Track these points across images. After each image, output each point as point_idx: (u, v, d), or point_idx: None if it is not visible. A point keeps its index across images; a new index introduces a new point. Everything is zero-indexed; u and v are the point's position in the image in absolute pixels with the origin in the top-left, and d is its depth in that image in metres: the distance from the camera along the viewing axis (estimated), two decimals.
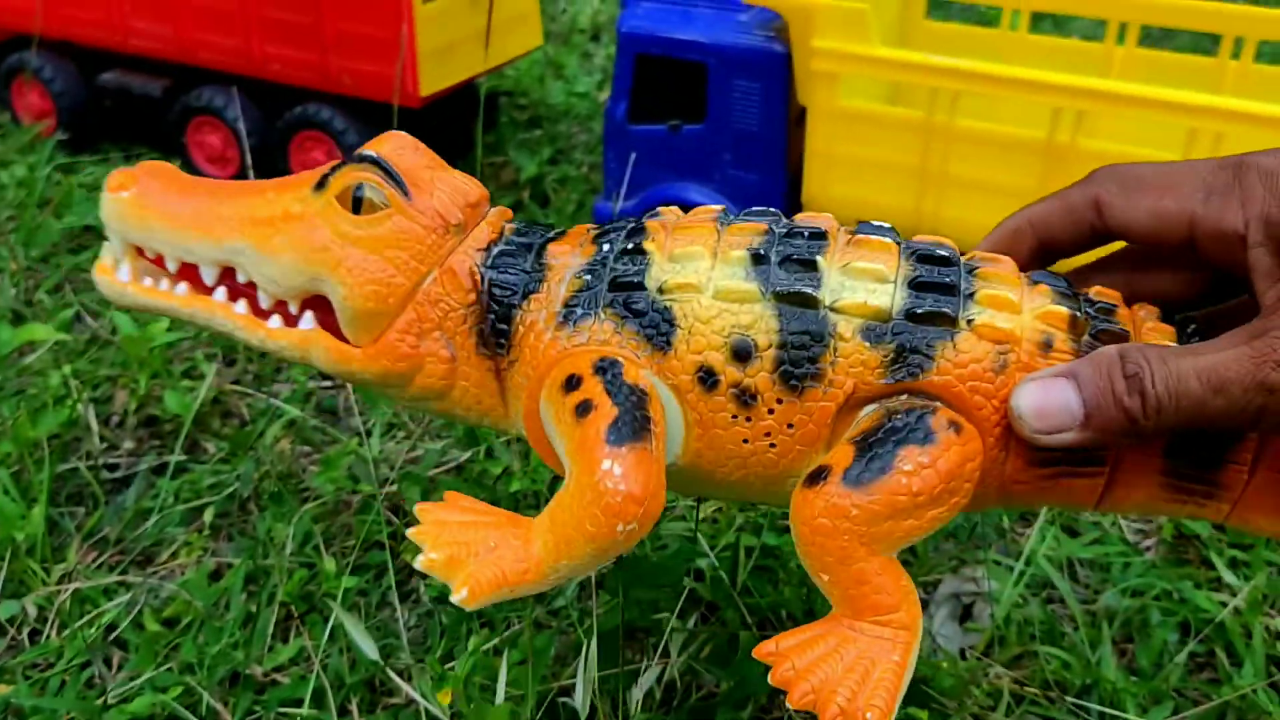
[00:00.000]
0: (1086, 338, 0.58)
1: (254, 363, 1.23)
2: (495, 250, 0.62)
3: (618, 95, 1.33)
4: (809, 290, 0.57)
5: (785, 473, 0.59)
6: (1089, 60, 1.33)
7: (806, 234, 0.59)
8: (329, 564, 0.92)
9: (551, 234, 0.64)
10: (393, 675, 0.83)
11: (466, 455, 1.07)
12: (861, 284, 0.57)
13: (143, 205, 0.61)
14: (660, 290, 0.58)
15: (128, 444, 1.11)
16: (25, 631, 0.89)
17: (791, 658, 0.57)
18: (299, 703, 0.82)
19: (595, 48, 2.21)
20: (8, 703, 0.82)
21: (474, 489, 1.03)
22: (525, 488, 1.02)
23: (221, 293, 0.62)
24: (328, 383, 1.22)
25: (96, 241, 1.45)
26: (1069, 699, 0.85)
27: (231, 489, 1.03)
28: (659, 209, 0.64)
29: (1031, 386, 0.56)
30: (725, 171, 1.30)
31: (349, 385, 1.17)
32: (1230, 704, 0.85)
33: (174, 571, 0.96)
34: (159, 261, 0.63)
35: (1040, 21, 2.21)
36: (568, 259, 0.62)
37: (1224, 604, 0.94)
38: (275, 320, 0.62)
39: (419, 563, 0.57)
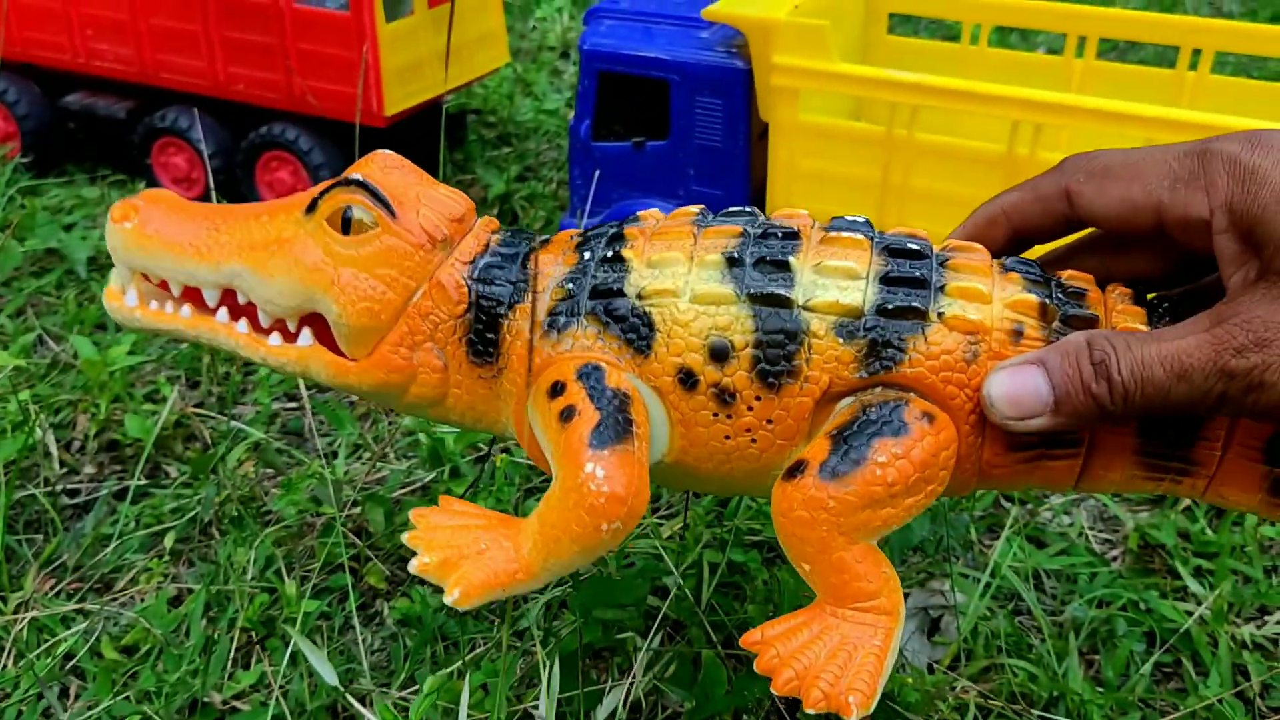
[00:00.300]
0: (1056, 324, 0.59)
1: (218, 384, 1.22)
2: (481, 262, 0.65)
3: (581, 113, 1.33)
4: (782, 291, 0.59)
5: (767, 466, 0.62)
6: (1050, 73, 1.34)
7: (780, 234, 0.61)
8: (290, 588, 0.91)
9: (536, 242, 0.67)
10: (353, 701, 0.82)
11: (430, 476, 1.06)
12: (833, 282, 0.59)
13: (144, 235, 0.64)
14: (639, 296, 0.61)
15: (88, 469, 1.10)
16: None
17: (776, 645, 0.59)
18: None
19: (564, 65, 2.21)
20: None
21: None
22: (491, 506, 1.02)
23: (224, 313, 0.66)
24: (293, 404, 1.21)
25: (59, 265, 1.44)
26: (1035, 712, 0.85)
27: (193, 513, 1.01)
28: (639, 213, 0.66)
29: (1002, 375, 0.57)
30: (690, 187, 1.30)
31: (311, 409, 1.16)
32: (1196, 714, 0.85)
33: (133, 598, 0.94)
34: (164, 286, 0.66)
35: (1007, 35, 2.22)
36: (551, 268, 0.64)
37: (1190, 613, 0.94)
38: (275, 338, 0.65)
39: (413, 566, 0.60)
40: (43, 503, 1.03)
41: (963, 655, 0.90)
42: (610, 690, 0.81)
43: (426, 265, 0.63)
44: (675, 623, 0.91)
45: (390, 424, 1.19)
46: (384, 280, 0.62)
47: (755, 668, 0.59)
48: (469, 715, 0.78)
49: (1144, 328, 0.59)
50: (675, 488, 0.67)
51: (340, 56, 1.44)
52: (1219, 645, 0.91)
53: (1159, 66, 1.37)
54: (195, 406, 1.18)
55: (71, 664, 0.87)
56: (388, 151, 0.68)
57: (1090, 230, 0.65)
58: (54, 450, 1.09)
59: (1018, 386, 0.57)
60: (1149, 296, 0.63)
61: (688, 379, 0.60)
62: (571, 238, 0.66)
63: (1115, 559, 1.03)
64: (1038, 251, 0.66)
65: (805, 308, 0.59)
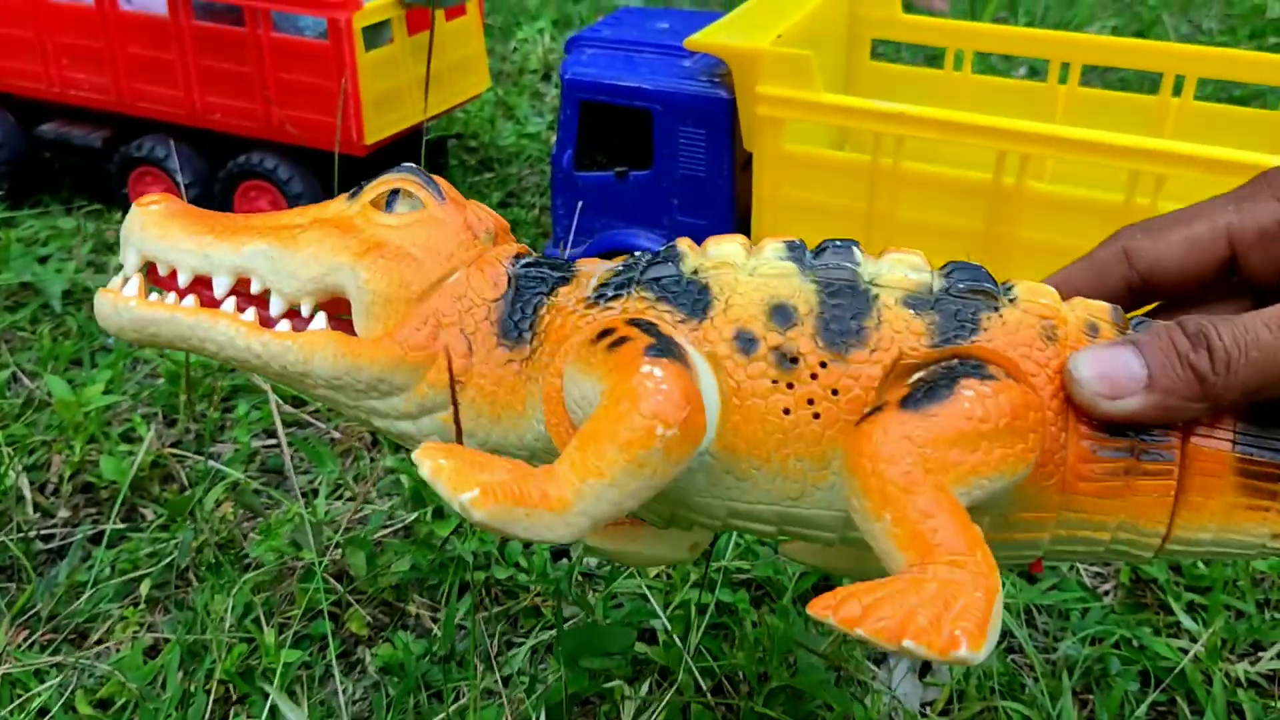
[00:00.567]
0: (1129, 331, 0.57)
1: (195, 421, 1.20)
2: (524, 260, 0.62)
3: (563, 142, 1.32)
4: (849, 265, 0.56)
5: (827, 450, 0.55)
6: (1033, 99, 1.34)
7: (837, 243, 0.58)
8: (269, 637, 0.89)
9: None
10: None
11: (414, 516, 1.04)
12: (899, 268, 0.56)
13: (168, 215, 0.61)
14: (695, 272, 0.57)
15: (63, 512, 1.07)
16: None
17: (857, 598, 0.49)
18: None
19: (546, 87, 2.20)
20: None
21: (422, 550, 1.00)
22: (476, 548, 1.00)
23: (230, 302, 0.61)
24: (273, 441, 1.19)
25: (34, 299, 1.42)
26: None
27: (170, 558, 0.99)
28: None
29: (1089, 353, 0.54)
30: (673, 217, 1.29)
31: (288, 445, 1.14)
32: None
33: (109, 649, 0.92)
34: (171, 281, 0.62)
35: (989, 56, 2.22)
36: (597, 267, 0.61)
37: (1184, 650, 0.93)
38: (283, 325, 0.60)
39: (425, 469, 0.49)
40: (14, 550, 1.00)
41: (955, 697, 0.89)
42: None
43: (468, 249, 0.60)
44: (663, 668, 0.89)
45: (372, 460, 1.17)
46: (421, 252, 0.59)
47: (835, 622, 0.48)
48: None
49: None
50: (716, 502, 0.57)
51: (319, 85, 1.43)
52: (1214, 684, 0.90)
53: (1141, 88, 1.36)
54: (172, 445, 1.16)
55: None
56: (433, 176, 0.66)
57: (1147, 308, 0.63)
58: (27, 494, 1.07)
59: (1108, 362, 0.53)
60: None
61: (747, 343, 0.55)
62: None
63: (1107, 593, 1.02)
64: None
65: (873, 284, 0.56)
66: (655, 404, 0.49)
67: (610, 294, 0.58)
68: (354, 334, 0.59)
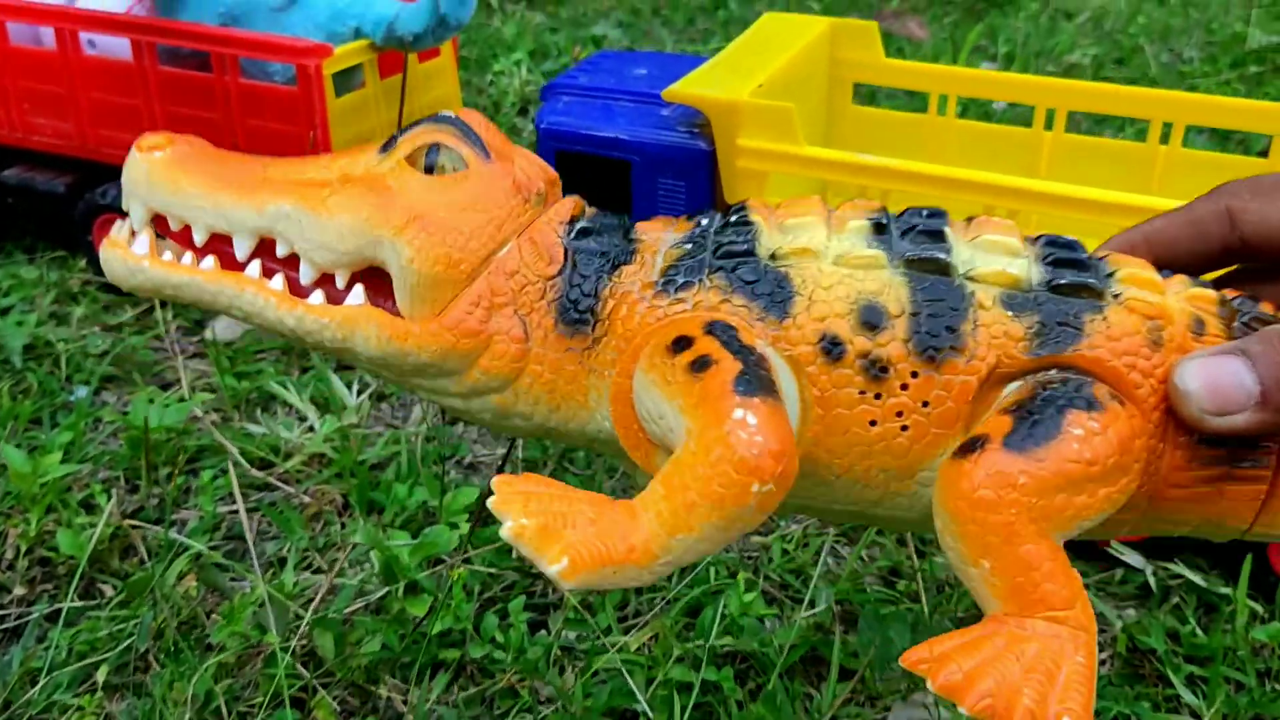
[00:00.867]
0: (1237, 324, 0.53)
1: (158, 486, 1.15)
2: (580, 224, 0.56)
3: None
4: (941, 256, 0.52)
5: (915, 464, 0.52)
6: (1018, 145, 1.31)
7: (925, 212, 0.54)
8: None
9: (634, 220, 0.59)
10: None
11: (384, 592, 1.00)
12: (994, 255, 0.52)
13: (176, 165, 0.54)
14: (773, 256, 0.53)
15: (18, 589, 1.03)
16: None
17: (955, 660, 0.48)
18: None
19: (523, 122, 2.17)
20: None
21: (393, 626, 0.96)
22: (449, 625, 0.96)
23: (255, 267, 0.55)
24: (235, 506, 1.15)
25: None
26: None
27: (129, 641, 0.95)
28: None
29: (1195, 364, 0.51)
30: None
31: (248, 512, 1.10)
32: None
33: None
34: (184, 236, 0.56)
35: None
36: (660, 234, 0.56)
37: None
38: (317, 297, 0.55)
39: (506, 531, 0.47)
40: None
41: None
42: None
43: (518, 219, 0.55)
44: None
45: (343, 525, 1.13)
46: (469, 226, 0.53)
47: (932, 688, 0.47)
48: None
49: None
50: (790, 500, 0.53)
51: (288, 132, 1.39)
52: None
53: (1129, 133, 1.34)
54: (134, 513, 1.12)
55: None
56: (471, 110, 0.59)
57: (1235, 267, 0.59)
58: None
59: (1217, 375, 0.50)
60: None
61: (832, 347, 0.51)
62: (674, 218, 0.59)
63: (1104, 663, 0.99)
64: None
65: (968, 277, 0.52)
66: (751, 460, 0.46)
67: (680, 280, 0.53)
68: (395, 308, 0.54)
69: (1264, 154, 1.25)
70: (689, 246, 0.54)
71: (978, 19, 2.83)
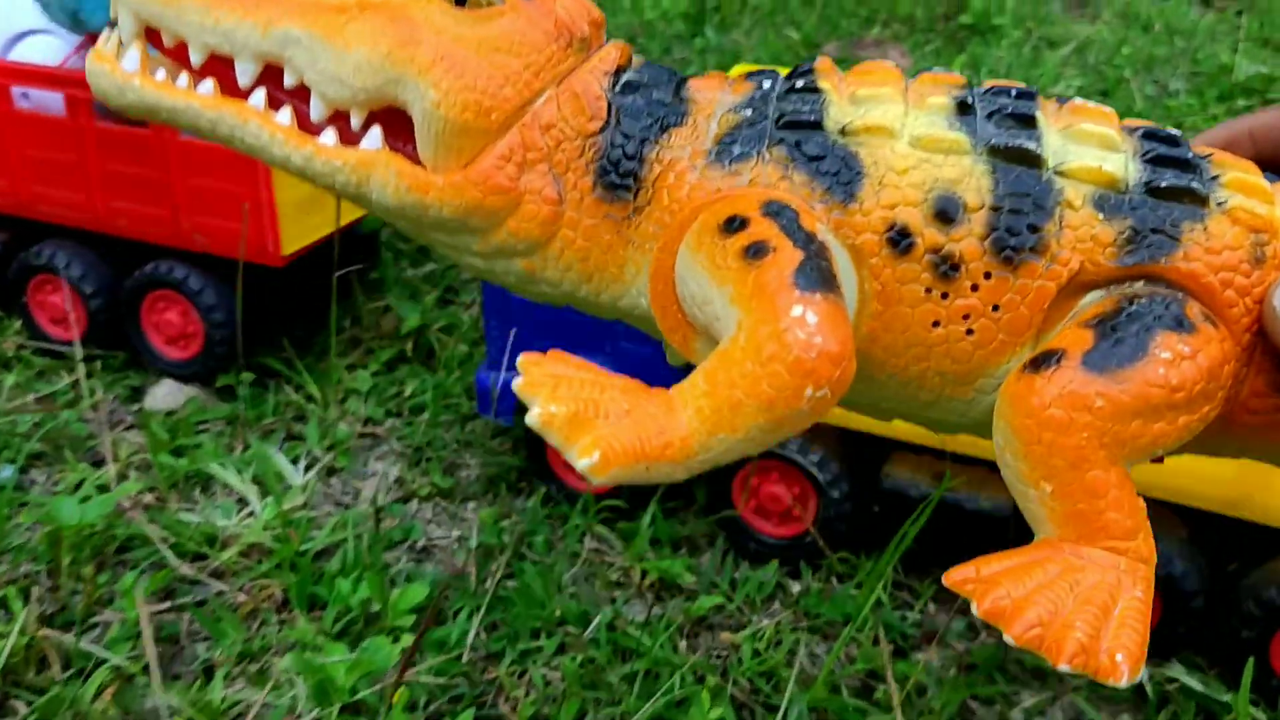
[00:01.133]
0: None
1: (80, 581, 1.07)
2: (626, 76, 0.50)
3: None
4: (1031, 146, 0.46)
5: (976, 370, 0.48)
6: None
7: (1014, 92, 0.48)
8: None
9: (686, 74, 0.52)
10: None
11: (316, 711, 0.92)
12: (1089, 149, 0.47)
13: None
14: (843, 132, 0.47)
15: None
16: None
17: (1003, 584, 0.44)
18: None
19: None
20: None
21: None
22: None
23: (259, 96, 0.49)
24: (167, 603, 1.07)
25: None
26: None
27: None
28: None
29: None
30: (617, 344, 1.18)
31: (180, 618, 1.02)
32: None
33: None
34: (179, 54, 0.49)
35: None
36: (716, 94, 0.50)
37: None
38: (329, 135, 0.49)
39: (533, 418, 0.43)
40: None
41: None
42: None
43: (557, 65, 0.49)
44: None
45: (280, 624, 1.05)
46: (502, 71, 0.48)
47: (978, 612, 0.44)
48: None
49: None
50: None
51: (231, 192, 1.31)
52: None
53: None
54: (53, 615, 1.03)
55: None
56: None
57: None
58: None
59: None
60: None
61: (900, 239, 0.46)
62: (730, 75, 0.52)
63: None
64: None
65: (1058, 172, 0.47)
66: (808, 362, 0.42)
67: (737, 151, 0.48)
68: (415, 153, 0.48)
69: None
70: (748, 112, 0.49)
71: (960, 48, 2.78)
